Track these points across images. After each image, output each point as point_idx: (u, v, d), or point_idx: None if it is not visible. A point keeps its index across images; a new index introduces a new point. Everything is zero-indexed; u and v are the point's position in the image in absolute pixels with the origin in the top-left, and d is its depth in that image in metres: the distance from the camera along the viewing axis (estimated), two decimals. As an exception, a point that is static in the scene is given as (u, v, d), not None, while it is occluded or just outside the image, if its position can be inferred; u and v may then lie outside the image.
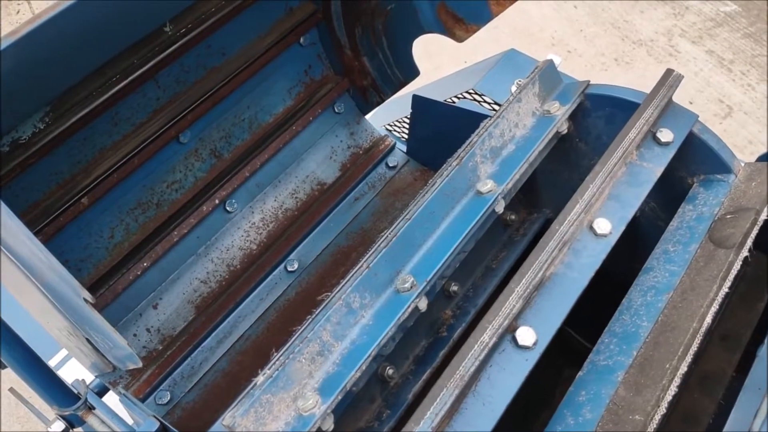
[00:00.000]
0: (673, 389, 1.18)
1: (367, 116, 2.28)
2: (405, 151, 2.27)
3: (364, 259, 1.31)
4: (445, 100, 2.29)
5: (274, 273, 1.97)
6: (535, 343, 1.18)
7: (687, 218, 1.49)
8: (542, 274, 1.21)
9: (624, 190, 1.39)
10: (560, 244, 1.24)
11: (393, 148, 2.24)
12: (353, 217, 2.12)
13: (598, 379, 1.26)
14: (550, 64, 1.66)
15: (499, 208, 1.45)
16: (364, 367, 1.20)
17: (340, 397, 1.16)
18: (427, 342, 1.73)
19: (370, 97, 2.20)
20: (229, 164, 1.95)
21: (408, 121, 2.46)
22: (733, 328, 1.52)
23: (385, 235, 1.37)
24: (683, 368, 1.20)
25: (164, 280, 1.85)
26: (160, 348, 1.80)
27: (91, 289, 1.71)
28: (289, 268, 1.99)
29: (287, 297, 1.96)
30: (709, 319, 1.26)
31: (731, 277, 1.31)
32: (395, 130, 2.55)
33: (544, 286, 1.25)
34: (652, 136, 1.48)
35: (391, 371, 1.63)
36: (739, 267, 1.33)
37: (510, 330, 1.18)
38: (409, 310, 1.27)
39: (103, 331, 1.07)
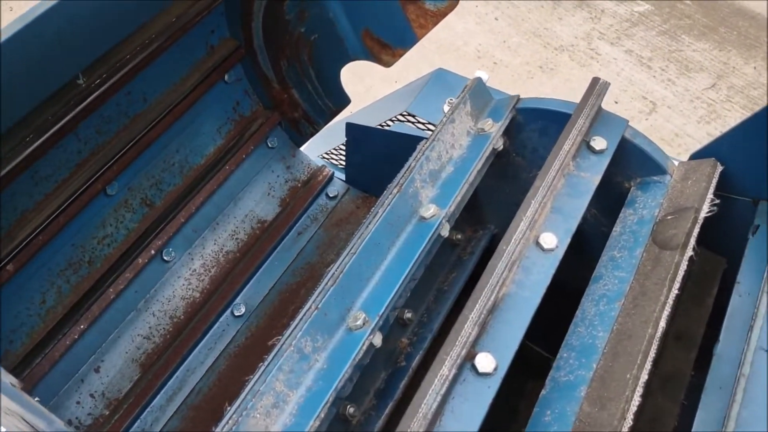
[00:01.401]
0: (636, 399, 1.17)
1: (302, 147, 2.23)
2: (344, 179, 2.24)
3: (312, 299, 1.27)
4: (379, 125, 2.27)
5: (221, 320, 1.90)
6: (495, 369, 1.15)
7: (629, 223, 1.50)
8: (494, 297, 1.18)
9: (565, 202, 1.39)
10: (509, 264, 1.22)
11: (332, 177, 2.20)
12: (298, 253, 2.07)
13: (561, 397, 1.24)
14: (479, 81, 1.66)
15: (445, 232, 1.43)
16: (322, 415, 1.15)
17: (300, 451, 1.11)
18: (386, 374, 1.68)
19: (303, 128, 2.16)
20: (163, 212, 1.88)
21: (344, 148, 2.43)
22: (686, 327, 1.53)
23: (332, 272, 1.33)
24: (644, 376, 1.20)
25: (104, 340, 1.75)
26: (107, 413, 1.70)
27: (26, 359, 1.61)
28: (236, 313, 1.92)
29: (237, 343, 1.89)
30: (663, 324, 1.26)
31: (679, 278, 1.32)
32: (332, 159, 2.51)
33: (498, 308, 1.22)
34: (586, 146, 1.48)
35: (352, 409, 1.58)
36: (685, 267, 1.34)
37: (468, 358, 1.15)
38: (364, 348, 1.23)
39: (38, 413, 0.99)
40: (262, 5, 1.82)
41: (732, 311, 1.36)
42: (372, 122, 2.29)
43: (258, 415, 1.14)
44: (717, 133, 4.74)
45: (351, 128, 2.05)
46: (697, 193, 1.44)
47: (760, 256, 1.42)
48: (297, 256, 2.06)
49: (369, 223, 1.38)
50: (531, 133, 1.65)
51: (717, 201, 1.43)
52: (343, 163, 2.52)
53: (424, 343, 1.71)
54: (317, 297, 1.28)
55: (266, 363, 1.37)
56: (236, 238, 2.04)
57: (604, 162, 1.46)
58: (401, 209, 1.43)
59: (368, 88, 4.69)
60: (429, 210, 1.42)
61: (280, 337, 1.50)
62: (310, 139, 2.23)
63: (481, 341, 1.18)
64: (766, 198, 1.51)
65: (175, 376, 1.79)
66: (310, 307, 1.27)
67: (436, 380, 1.07)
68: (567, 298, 1.45)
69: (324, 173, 2.19)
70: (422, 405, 1.04)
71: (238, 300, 1.94)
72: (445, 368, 1.08)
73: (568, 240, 1.34)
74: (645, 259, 1.38)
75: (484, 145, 1.54)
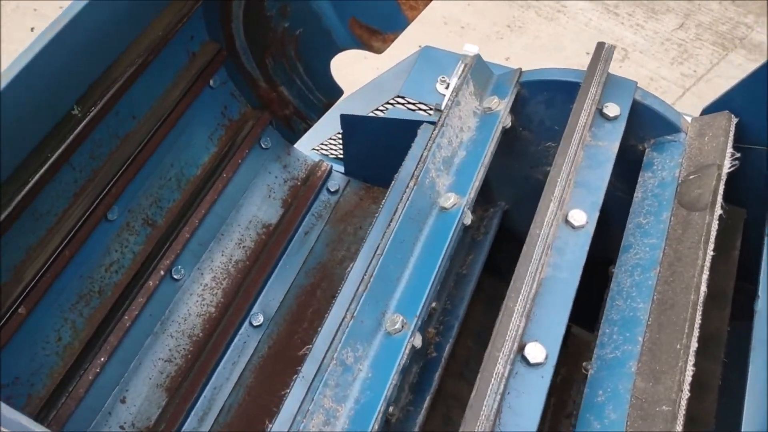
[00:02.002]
0: (690, 369, 1.15)
1: (296, 144, 2.18)
2: (343, 171, 2.19)
3: (345, 307, 1.23)
4: (372, 112, 2.21)
5: (241, 332, 1.85)
6: (546, 357, 1.13)
7: (650, 186, 1.47)
8: (536, 284, 1.15)
9: (587, 174, 1.36)
10: (545, 249, 1.19)
11: (330, 171, 2.15)
12: (308, 253, 2.02)
13: (611, 375, 1.22)
14: (479, 58, 1.61)
15: (467, 220, 1.39)
16: (376, 427, 1.12)
17: (360, 465, 1.08)
18: (418, 367, 1.66)
19: (295, 125, 2.10)
20: (166, 230, 1.82)
21: (338, 138, 2.37)
22: (717, 284, 1.51)
23: (359, 276, 1.30)
24: (694, 345, 1.18)
25: (126, 370, 1.70)
26: (139, 443, 1.66)
27: (51, 400, 1.56)
28: (255, 323, 1.88)
29: (260, 354, 1.85)
30: (704, 288, 1.24)
31: (713, 239, 1.30)
32: (327, 151, 2.45)
33: (538, 294, 1.19)
34: (599, 113, 1.45)
35: (390, 408, 1.55)
36: (716, 227, 1.31)
37: (518, 350, 1.12)
38: (407, 351, 1.20)
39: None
40: (241, 5, 1.75)
41: (766, 266, 1.34)
42: (364, 110, 2.23)
43: (311, 436, 1.11)
44: (691, 73, 4.74)
45: (345, 119, 2.00)
46: (717, 149, 1.42)
47: (787, 204, 1.41)
48: (307, 257, 2.02)
49: (391, 220, 1.34)
50: (537, 106, 1.61)
51: (738, 155, 1.41)
52: (339, 153, 2.46)
53: (452, 331, 1.68)
54: (351, 305, 1.24)
55: (305, 377, 1.34)
56: (243, 246, 1.98)
57: (620, 128, 1.43)
58: (420, 202, 1.39)
59: (352, 81, 4.61)
60: (449, 200, 1.38)
61: (310, 346, 1.46)
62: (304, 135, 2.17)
63: (528, 330, 1.16)
64: (783, 144, 1.49)
65: (203, 397, 1.74)
66: (345, 317, 1.23)
67: (493, 379, 1.04)
68: (588, 269, 1.42)
69: (322, 168, 2.14)
70: (483, 406, 1.01)
71: (254, 309, 1.90)
72: (499, 365, 1.05)
73: (597, 214, 1.31)
74: (674, 223, 1.36)
75: (494, 125, 1.50)
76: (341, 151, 2.46)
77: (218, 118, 2.00)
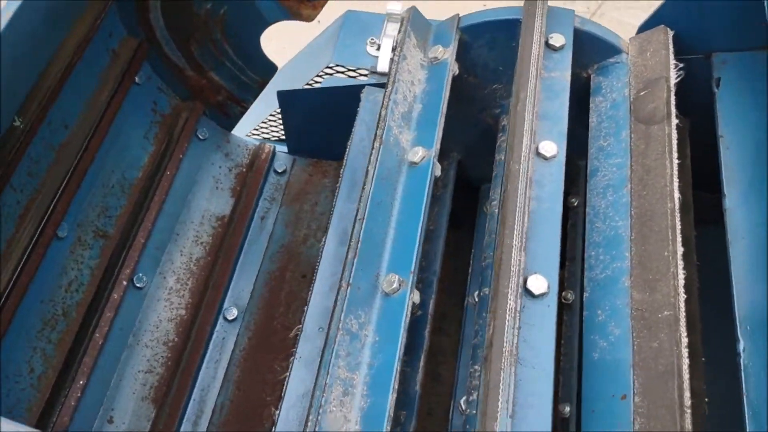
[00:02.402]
0: (681, 273, 1.19)
1: (234, 130, 2.11)
2: (287, 150, 2.14)
3: (343, 278, 1.21)
4: (308, 84, 2.16)
5: (217, 329, 1.80)
6: (548, 287, 1.14)
7: (603, 110, 1.51)
8: (526, 218, 1.16)
9: (548, 106, 1.37)
10: (527, 183, 1.20)
11: (275, 153, 2.09)
12: (269, 238, 1.97)
13: (606, 293, 1.25)
14: (415, 11, 1.60)
15: (438, 171, 1.38)
16: (396, 386, 1.11)
17: (388, 428, 1.07)
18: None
19: (231, 110, 2.03)
20: (120, 239, 1.73)
21: (274, 118, 2.31)
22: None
23: (336, 249, 1.27)
24: (680, 250, 1.22)
25: (107, 388, 1.62)
26: (136, 460, 1.59)
27: (33, 436, 1.46)
28: (229, 317, 1.82)
29: (242, 347, 1.80)
30: (677, 195, 1.28)
31: (675, 148, 1.34)
32: (267, 132, 2.39)
33: (528, 228, 1.20)
34: (546, 45, 1.46)
35: (389, 372, 1.55)
36: (676, 136, 1.36)
37: (522, 285, 1.13)
38: (409, 309, 1.19)
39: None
40: (158, -9, 1.67)
41: (726, 164, 1.40)
42: (298, 84, 2.18)
43: (334, 408, 1.09)
44: (584, 10, 4.87)
45: (283, 95, 1.94)
46: (661, 63, 1.46)
47: (732, 106, 1.46)
48: (269, 242, 1.97)
49: (364, 183, 1.32)
50: (480, 50, 1.61)
51: (681, 65, 1.45)
52: (278, 134, 2.41)
53: (433, 287, 1.68)
54: (344, 273, 1.21)
55: (302, 357, 1.32)
56: (201, 243, 1.92)
57: (568, 57, 1.45)
58: (389, 161, 1.37)
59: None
60: (417, 154, 1.37)
61: (300, 326, 1.43)
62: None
63: (526, 264, 1.17)
64: (717, 49, 1.55)
65: (192, 400, 1.69)
66: (341, 286, 1.20)
67: (507, 315, 1.04)
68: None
69: (266, 150, 2.08)
70: (504, 344, 1.02)
71: (226, 304, 1.84)
72: (510, 301, 1.06)
73: (565, 143, 1.33)
74: (635, 139, 1.40)
75: (444, 73, 1.49)
76: (279, 132, 2.41)
77: (150, 115, 1.90)
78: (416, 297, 1.22)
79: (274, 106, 2.22)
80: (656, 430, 1.05)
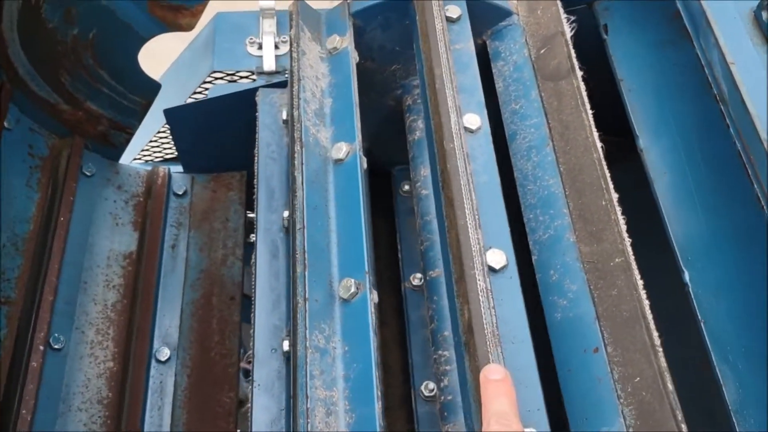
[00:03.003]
0: (621, 219, 1.22)
1: (122, 159, 1.96)
2: (183, 170, 2.01)
3: (297, 294, 1.15)
4: (191, 96, 2.04)
5: (152, 373, 1.67)
6: (507, 259, 1.13)
7: (506, 74, 1.52)
8: (474, 195, 1.14)
9: (462, 79, 1.35)
10: (465, 160, 1.18)
11: (170, 175, 1.96)
12: (185, 266, 1.85)
13: (554, 253, 1.26)
14: (302, 3, 1.53)
15: (365, 164, 1.34)
16: (380, 393, 1.07)
17: (382, 437, 1.03)
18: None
19: (115, 139, 1.88)
20: (24, 302, 1.56)
21: (161, 137, 2.17)
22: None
23: (268, 265, 1.22)
24: (614, 196, 1.25)
25: (46, 466, 1.47)
26: None
27: None
28: (162, 358, 1.70)
29: (182, 386, 1.68)
30: (599, 144, 1.31)
31: (587, 100, 1.37)
32: (157, 152, 2.24)
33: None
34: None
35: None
36: (584, 87, 1.39)
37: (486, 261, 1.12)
38: (373, 310, 1.15)
39: None
40: (13, 25, 1.50)
41: (632, 106, 1.45)
42: (180, 99, 2.06)
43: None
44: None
45: (171, 113, 1.83)
46: (553, 18, 1.49)
47: (625, 48, 1.52)
48: (186, 270, 1.85)
49: (295, 190, 1.26)
50: (374, 33, 1.57)
51: (573, 18, 1.48)
52: (168, 153, 2.27)
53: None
54: (297, 289, 1.15)
55: (259, 387, 1.26)
56: (113, 286, 1.77)
57: (467, 27, 1.44)
58: (314, 163, 1.31)
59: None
60: (341, 150, 1.32)
61: (248, 355, 1.36)
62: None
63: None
64: (599, -3, 1.60)
65: (142, 455, 1.56)
66: (298, 303, 1.14)
67: (481, 298, 1.02)
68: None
69: (161, 174, 1.95)
70: (485, 326, 1.00)
71: (155, 345, 1.71)
72: (480, 282, 1.04)
73: (485, 112, 1.32)
74: (546, 97, 1.41)
75: (348, 62, 1.44)
76: (169, 151, 2.28)
77: (28, 160, 1.72)
78: (375, 297, 1.18)
79: (159, 124, 2.09)
80: (634, 374, 1.07)
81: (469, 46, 1.41)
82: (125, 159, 2.15)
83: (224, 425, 1.64)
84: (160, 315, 1.77)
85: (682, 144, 1.35)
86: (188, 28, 1.58)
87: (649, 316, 1.10)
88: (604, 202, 1.24)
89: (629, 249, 1.18)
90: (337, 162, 1.32)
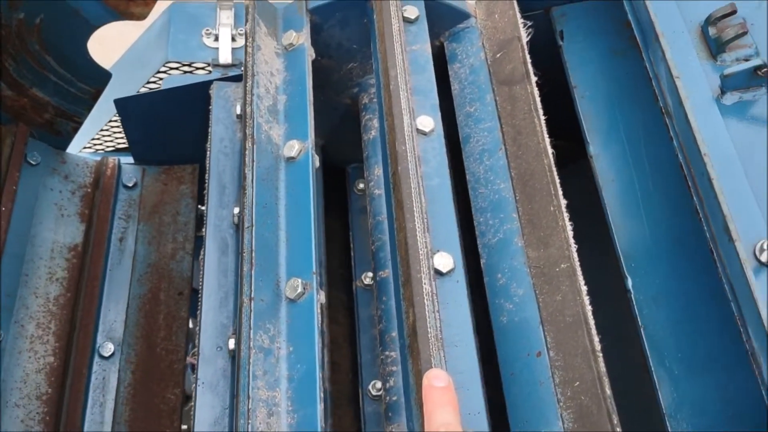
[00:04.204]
0: (569, 225, 1.23)
1: (70, 148, 1.91)
2: (133, 161, 1.97)
3: (243, 293, 1.13)
4: (145, 87, 2.00)
5: (94, 369, 1.63)
6: (454, 263, 1.14)
7: (462, 76, 1.52)
8: (424, 198, 1.14)
9: (416, 80, 1.35)
10: (416, 162, 1.18)
11: (120, 166, 1.92)
12: (132, 259, 1.82)
13: (502, 257, 1.27)
14: (259, -3, 1.51)
15: (317, 162, 1.33)
16: (322, 395, 1.06)
17: (324, 438, 1.02)
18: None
19: (62, 127, 1.83)
20: (-39, 294, 1.51)
21: (112, 126, 2.12)
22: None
23: (217, 261, 1.20)
24: (563, 202, 1.26)
25: (-20, 465, 1.43)
26: None
27: None
28: (106, 354, 1.66)
29: (126, 383, 1.65)
30: (550, 150, 1.32)
31: (540, 105, 1.38)
32: (107, 142, 2.19)
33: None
34: (402, 19, 1.44)
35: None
36: (538, 93, 1.40)
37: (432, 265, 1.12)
38: (319, 311, 1.14)
39: None
40: (-47, 5, 1.44)
41: (584, 113, 1.47)
42: (134, 88, 2.01)
43: (262, 433, 1.02)
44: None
45: (121, 103, 1.78)
46: (510, 23, 1.49)
47: (579, 55, 1.54)
48: (133, 264, 1.81)
49: (245, 188, 1.24)
50: (331, 30, 1.56)
51: (530, 23, 1.49)
52: (119, 144, 2.22)
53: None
54: (243, 288, 1.14)
55: (203, 385, 1.24)
56: (57, 279, 1.72)
57: (424, 28, 1.44)
58: (265, 161, 1.30)
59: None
60: (293, 148, 1.31)
61: (195, 351, 1.34)
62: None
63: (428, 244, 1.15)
64: (555, 3, 1.61)
65: (83, 453, 1.53)
66: (243, 302, 1.13)
67: (426, 301, 1.02)
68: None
69: (110, 165, 1.90)
70: (428, 329, 1.00)
71: (99, 340, 1.67)
72: (425, 285, 1.04)
73: (439, 115, 1.32)
74: (501, 102, 1.42)
75: (303, 59, 1.43)
76: (119, 141, 2.23)
77: (-33, 147, 1.67)
78: (323, 297, 1.17)
79: (111, 113, 2.05)
80: (574, 378, 1.09)
81: (425, 48, 1.41)
82: (74, 148, 2.11)
83: (168, 423, 1.61)
84: (105, 309, 1.73)
85: (631, 152, 1.37)
86: (141, 17, 1.54)
87: (591, 322, 1.12)
88: (552, 208, 1.25)
89: (575, 255, 1.20)
90: (289, 160, 1.31)
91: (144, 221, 1.89)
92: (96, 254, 1.77)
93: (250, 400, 1.03)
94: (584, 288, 1.16)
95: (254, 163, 1.25)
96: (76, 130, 1.86)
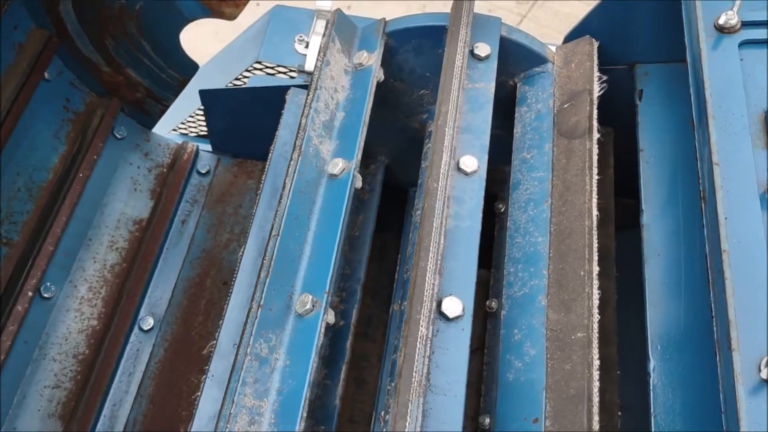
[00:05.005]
0: (596, 294, 1.18)
1: (156, 128, 2.02)
2: (211, 150, 2.06)
3: (246, 297, 1.16)
4: (232, 83, 2.08)
5: (131, 340, 1.72)
6: (463, 309, 1.11)
7: (527, 120, 1.49)
8: (442, 239, 1.13)
9: (471, 118, 1.34)
10: (445, 201, 1.17)
11: (198, 152, 2.01)
12: (189, 242, 1.90)
13: (523, 312, 1.24)
14: (340, 13, 1.54)
15: (358, 184, 1.34)
16: (305, 414, 1.07)
17: (295, 459, 1.03)
18: (327, 339, 1.61)
19: (150, 108, 1.94)
20: (25, 246, 1.63)
21: (199, 114, 2.22)
22: (600, 203, 1.57)
23: (254, 261, 1.22)
24: (595, 269, 1.21)
25: (9, 406, 1.53)
26: (41, 482, 1.51)
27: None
28: (145, 327, 1.74)
29: (157, 358, 1.73)
30: (595, 212, 1.27)
31: (595, 164, 1.33)
32: (191, 130, 2.30)
33: (446, 247, 1.17)
34: (471, 55, 1.43)
35: (308, 388, 1.50)
36: (597, 151, 1.35)
37: (436, 308, 1.10)
38: (322, 330, 1.15)
39: None
40: (66, -18, 1.56)
41: (645, 179, 1.40)
42: (222, 82, 2.10)
43: (238, 440, 1.04)
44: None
45: (206, 95, 1.87)
46: (585, 74, 1.45)
47: (654, 119, 1.47)
48: (189, 247, 1.89)
49: (281, 197, 1.27)
50: (406, 55, 1.57)
51: (605, 78, 1.44)
52: (202, 130, 2.32)
53: (356, 296, 1.65)
54: (255, 293, 1.16)
55: (214, 376, 1.26)
56: (117, 248, 1.83)
57: (493, 67, 1.42)
58: (308, 173, 1.32)
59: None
60: (337, 166, 1.33)
61: (214, 342, 1.38)
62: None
63: (441, 286, 1.14)
64: (641, 60, 1.55)
65: (102, 416, 1.61)
66: (251, 307, 1.15)
67: (418, 343, 1.01)
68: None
69: (188, 150, 2.00)
70: (414, 372, 0.98)
71: (142, 313, 1.76)
72: (422, 328, 1.03)
73: (486, 157, 1.31)
74: (557, 153, 1.38)
75: (368, 81, 1.44)
76: (205, 128, 2.33)
77: (61, 113, 1.80)
78: (331, 317, 1.18)
79: (198, 102, 2.14)
80: (567, 454, 1.04)
81: (489, 87, 1.39)
82: (164, 128, 2.23)
83: (186, 405, 1.67)
84: (154, 285, 1.81)
85: (684, 229, 1.29)
86: (230, 17, 1.61)
87: (595, 399, 1.07)
88: (582, 273, 1.20)
89: (595, 325, 1.15)
90: (331, 177, 1.33)
91: (208, 208, 1.97)
92: (157, 231, 1.86)
93: (234, 405, 1.05)
94: (596, 362, 1.11)
95: (295, 174, 1.28)
96: (162, 112, 1.96)
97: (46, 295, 1.65)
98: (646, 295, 1.26)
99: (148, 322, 1.75)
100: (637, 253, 1.36)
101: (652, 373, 1.16)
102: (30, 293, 1.59)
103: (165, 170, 1.98)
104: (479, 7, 1.47)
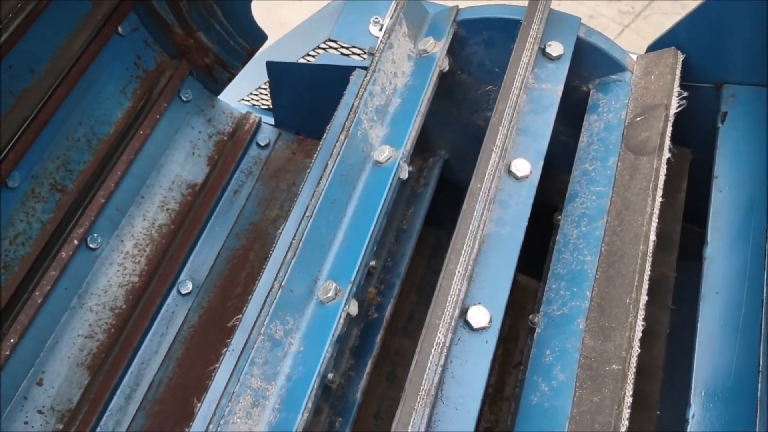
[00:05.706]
0: (640, 325, 1.09)
1: (221, 95, 2.01)
2: (273, 123, 2.04)
3: (273, 276, 1.12)
4: (303, 58, 2.06)
5: (168, 301, 1.73)
6: (490, 321, 1.05)
7: (596, 130, 1.39)
8: (477, 243, 1.06)
9: (531, 120, 1.26)
10: (487, 204, 1.10)
11: (260, 124, 2.00)
12: (238, 213, 1.89)
13: (559, 333, 1.15)
14: (412, -3, 1.48)
15: (404, 174, 1.28)
16: (310, 405, 1.03)
17: (293, 449, 0.99)
18: (359, 329, 1.57)
19: (218, 74, 1.94)
20: (78, 195, 1.66)
21: (266, 87, 2.21)
22: (664, 228, 1.45)
23: (289, 241, 1.18)
24: (643, 298, 1.11)
25: (41, 349, 1.56)
26: (61, 427, 1.53)
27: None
28: (183, 291, 1.75)
29: (191, 323, 1.73)
30: (653, 237, 1.17)
31: (661, 185, 1.23)
32: (255, 102, 2.30)
33: (481, 252, 1.10)
34: (541, 53, 1.34)
35: (331, 375, 1.47)
36: (665, 171, 1.24)
37: (460, 315, 1.04)
38: (341, 320, 1.10)
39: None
40: (146, -60, 1.57)
41: (715, 209, 1.28)
42: (293, 56, 2.08)
43: (238, 420, 1.01)
44: (629, 10, 4.68)
45: (273, 67, 1.85)
46: (664, 88, 1.34)
47: (735, 146, 1.34)
48: (238, 218, 1.89)
49: (321, 178, 1.23)
50: (476, 47, 1.49)
51: (685, 94, 1.33)
52: (269, 104, 2.31)
53: (394, 290, 1.60)
54: (279, 273, 1.13)
55: (234, 350, 1.24)
56: (167, 209, 1.84)
57: (564, 69, 1.33)
58: (352, 157, 1.27)
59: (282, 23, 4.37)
60: (383, 153, 1.27)
61: (240, 316, 1.35)
62: (228, 85, 2.01)
63: (470, 293, 1.07)
64: (729, 81, 1.42)
65: (129, 372, 1.62)
66: (273, 286, 1.12)
67: (433, 350, 0.95)
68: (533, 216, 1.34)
69: (250, 121, 1.99)
70: (423, 381, 0.93)
71: (182, 276, 1.77)
72: (440, 335, 0.97)
73: (541, 163, 1.22)
74: (621, 169, 1.28)
75: (430, 69, 1.38)
76: (270, 102, 2.32)
77: (131, 69, 1.82)
78: (353, 308, 1.13)
79: (266, 75, 2.13)
80: (582, 492, 0.96)
81: (556, 89, 1.30)
82: (234, 97, 2.23)
83: (210, 373, 1.66)
84: (198, 250, 1.82)
85: (750, 269, 1.17)
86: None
87: (622, 439, 0.98)
88: (628, 300, 1.11)
89: (633, 359, 1.06)
90: (376, 164, 1.28)
91: (262, 181, 1.96)
92: (209, 198, 1.86)
93: (239, 384, 1.02)
94: (629, 398, 1.02)
95: (339, 157, 1.23)
96: (229, 80, 1.96)
97: (92, 246, 1.67)
98: (697, 333, 1.15)
99: (187, 287, 1.75)
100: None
101: (690, 420, 1.06)
102: (76, 241, 1.62)
103: (225, 138, 1.98)
104: (580, 14, 1.39)
